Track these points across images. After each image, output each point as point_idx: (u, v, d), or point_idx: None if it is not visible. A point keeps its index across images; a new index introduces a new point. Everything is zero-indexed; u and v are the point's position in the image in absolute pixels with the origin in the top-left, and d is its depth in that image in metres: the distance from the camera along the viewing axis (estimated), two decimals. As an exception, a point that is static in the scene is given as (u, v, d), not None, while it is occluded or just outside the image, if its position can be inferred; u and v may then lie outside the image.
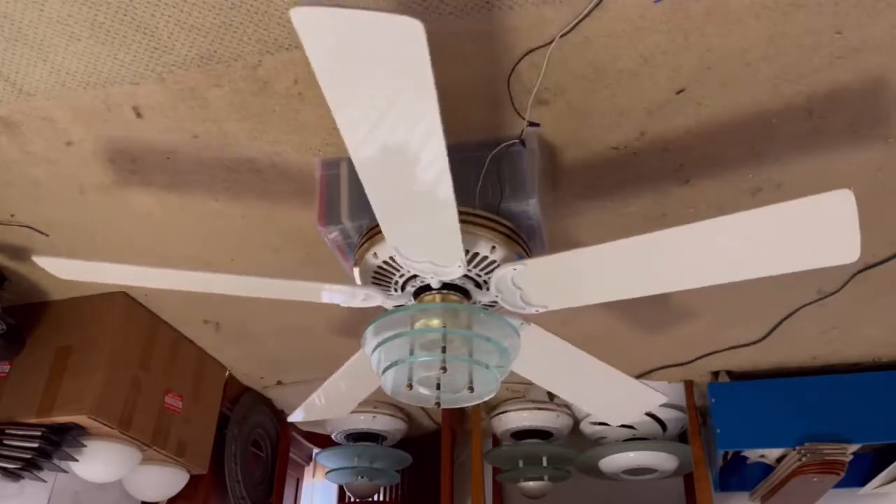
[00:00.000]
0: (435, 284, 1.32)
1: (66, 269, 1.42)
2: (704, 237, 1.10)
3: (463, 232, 1.20)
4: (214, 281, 1.46)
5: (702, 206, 1.71)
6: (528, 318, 1.40)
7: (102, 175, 1.66)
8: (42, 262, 1.36)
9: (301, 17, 0.84)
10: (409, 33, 0.83)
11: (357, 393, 1.85)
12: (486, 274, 1.31)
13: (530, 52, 1.31)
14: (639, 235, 1.12)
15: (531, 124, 1.43)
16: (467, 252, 1.27)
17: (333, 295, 1.39)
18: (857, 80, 1.36)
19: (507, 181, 1.43)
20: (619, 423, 2.29)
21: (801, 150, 1.54)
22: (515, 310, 1.35)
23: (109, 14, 1.26)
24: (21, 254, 1.98)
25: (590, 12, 1.23)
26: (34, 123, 1.52)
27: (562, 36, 1.27)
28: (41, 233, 1.88)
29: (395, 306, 1.40)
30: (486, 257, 1.29)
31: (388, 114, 0.96)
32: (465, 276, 1.31)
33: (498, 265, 1.29)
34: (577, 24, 1.25)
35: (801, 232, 1.06)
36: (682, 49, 1.30)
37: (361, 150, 1.02)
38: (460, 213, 1.23)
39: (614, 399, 1.78)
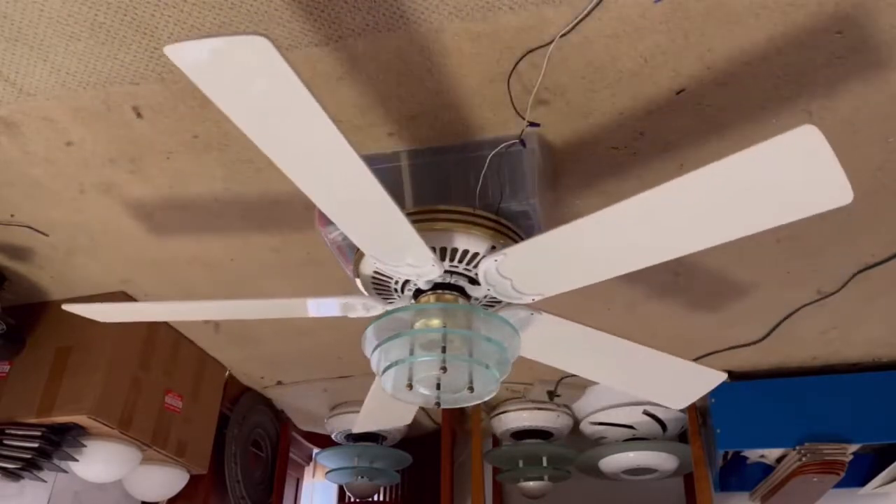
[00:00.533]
0: (423, 286, 1.32)
1: (107, 314, 1.51)
2: (680, 197, 1.03)
3: (436, 230, 1.24)
4: (247, 308, 1.49)
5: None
6: (537, 309, 1.39)
7: (102, 175, 1.66)
8: (77, 308, 1.39)
9: (176, 55, 0.85)
10: (260, 50, 0.83)
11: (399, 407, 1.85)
12: (474, 269, 1.31)
13: (530, 52, 1.31)
14: (612, 205, 1.05)
15: (531, 124, 1.43)
16: (442, 250, 1.28)
17: (321, 308, 1.42)
18: (857, 81, 1.36)
19: (507, 181, 1.43)
20: (680, 407, 2.15)
21: (801, 150, 1.54)
22: (511, 300, 1.33)
23: (109, 14, 1.26)
24: (21, 254, 1.98)
25: (590, 12, 1.23)
26: (34, 123, 1.52)
27: (562, 36, 1.27)
28: (41, 233, 1.88)
29: (382, 293, 1.40)
30: (466, 252, 1.29)
31: (289, 134, 0.96)
32: (456, 273, 1.31)
33: (482, 258, 1.28)
34: (577, 24, 1.25)
35: (779, 177, 0.98)
36: (682, 49, 1.30)
37: (292, 172, 1.03)
38: (431, 211, 1.28)
39: (663, 381, 1.68)
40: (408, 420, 2.05)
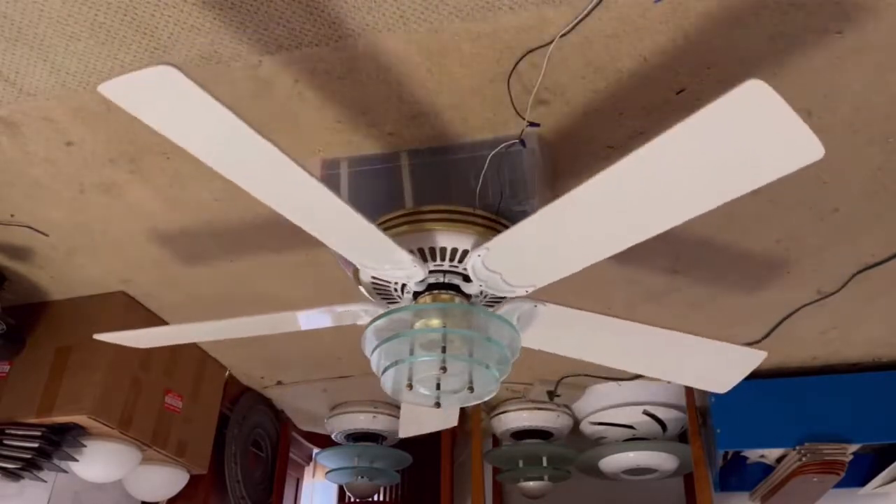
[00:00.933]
0: (415, 287, 1.32)
1: (143, 340, 1.53)
2: (647, 167, 0.99)
3: (419, 231, 1.26)
4: (269, 322, 1.51)
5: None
6: (539, 300, 1.37)
7: (102, 175, 1.66)
8: (114, 337, 1.41)
9: (110, 93, 0.87)
10: (171, 80, 0.85)
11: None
12: (462, 266, 1.31)
13: (530, 52, 1.31)
14: (583, 183, 1.01)
15: (531, 124, 1.43)
16: (430, 249, 1.29)
17: (310, 320, 1.42)
18: (857, 81, 1.37)
19: (507, 181, 1.43)
20: (684, 383, 2.01)
21: (801, 150, 1.54)
22: (505, 294, 1.32)
23: (109, 14, 1.26)
24: (21, 254, 1.98)
25: (590, 12, 1.23)
26: (34, 123, 1.52)
27: (562, 36, 1.27)
28: (41, 233, 1.88)
29: (384, 297, 1.40)
30: (455, 249, 1.29)
31: (236, 157, 0.98)
32: (448, 272, 1.31)
33: (468, 254, 1.28)
34: (577, 24, 1.25)
35: (740, 135, 0.94)
36: (682, 49, 1.30)
37: (257, 191, 1.05)
38: (412, 213, 1.30)
39: (699, 364, 1.58)
40: (453, 422, 2.01)
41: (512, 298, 1.34)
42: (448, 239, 1.29)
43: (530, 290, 1.30)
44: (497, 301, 1.37)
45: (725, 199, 1.00)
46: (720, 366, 1.57)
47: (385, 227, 1.33)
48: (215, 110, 0.91)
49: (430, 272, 1.31)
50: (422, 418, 1.95)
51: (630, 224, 1.10)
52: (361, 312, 1.41)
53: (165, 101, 0.90)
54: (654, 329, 1.43)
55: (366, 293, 1.40)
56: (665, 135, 0.93)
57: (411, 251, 1.27)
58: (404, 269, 1.26)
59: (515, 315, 1.36)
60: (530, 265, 1.25)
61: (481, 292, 1.34)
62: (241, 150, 0.98)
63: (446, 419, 1.99)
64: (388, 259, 1.24)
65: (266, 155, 0.98)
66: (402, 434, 2.10)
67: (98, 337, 1.56)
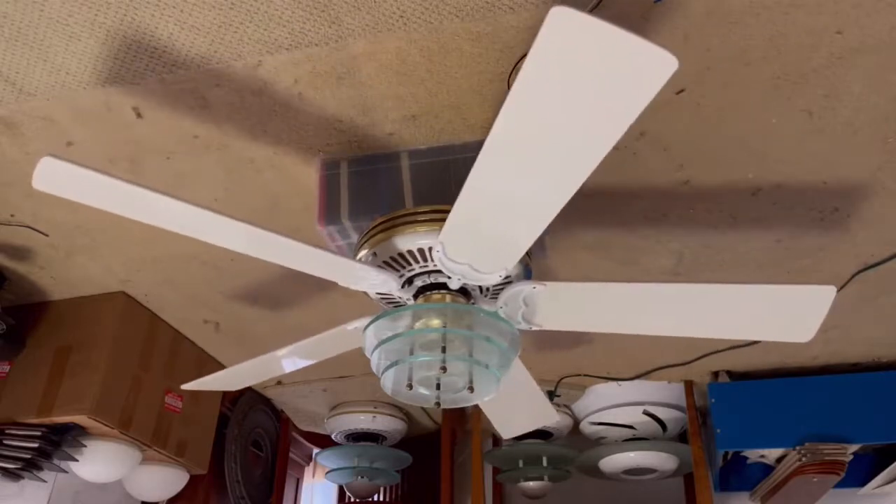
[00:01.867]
0: (454, 286, 1.32)
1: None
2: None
3: (385, 240, 1.29)
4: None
5: (701, 206, 1.71)
6: (539, 283, 1.32)
7: (102, 175, 1.66)
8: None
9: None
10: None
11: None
12: (498, 285, 1.31)
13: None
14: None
15: (531, 124, 1.42)
16: (399, 257, 1.31)
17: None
18: (857, 81, 1.37)
19: (507, 181, 1.43)
20: (759, 338, 1.68)
21: (801, 151, 1.54)
22: (482, 283, 1.31)
23: (109, 14, 1.26)
24: (21, 254, 1.98)
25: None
26: (34, 123, 1.52)
27: (562, 36, 1.27)
28: (41, 233, 1.88)
29: (390, 302, 1.40)
30: (413, 251, 1.30)
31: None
32: (432, 271, 1.32)
33: (511, 280, 1.30)
34: (577, 24, 1.25)
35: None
36: (682, 49, 1.30)
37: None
38: (374, 227, 1.34)
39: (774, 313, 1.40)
40: (554, 417, 1.92)
41: (511, 285, 1.32)
42: (409, 241, 1.29)
43: (503, 273, 1.26)
44: (498, 291, 1.36)
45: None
46: (793, 311, 1.40)
47: (367, 239, 1.35)
48: (120, 189, 1.02)
49: (415, 275, 1.32)
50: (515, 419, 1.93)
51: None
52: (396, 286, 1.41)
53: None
54: (693, 286, 1.29)
55: (379, 304, 1.43)
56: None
57: (385, 261, 1.31)
58: (484, 274, 1.26)
59: (520, 299, 1.33)
60: (489, 247, 1.21)
61: (462, 286, 1.33)
62: (178, 220, 1.11)
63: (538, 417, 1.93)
64: (361, 277, 1.29)
65: (202, 218, 1.10)
66: (506, 436, 2.07)
67: (185, 387, 1.68)
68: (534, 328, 1.38)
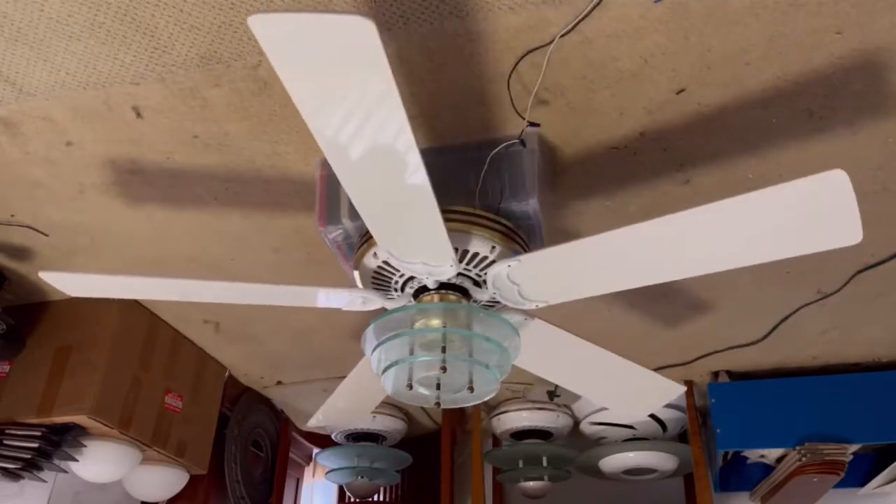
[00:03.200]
0: (431, 285, 1.32)
1: (72, 285, 1.49)
2: (701, 224, 1.09)
3: (453, 231, 1.23)
4: (213, 289, 1.45)
5: (702, 206, 1.71)
6: (531, 314, 1.39)
7: (102, 175, 1.66)
8: (48, 276, 1.41)
9: (259, 25, 0.84)
10: (362, 33, 0.83)
11: (365, 403, 1.86)
12: (483, 272, 1.31)
13: (530, 52, 1.31)
14: (633, 224, 1.09)
15: (531, 124, 1.43)
16: (458, 251, 1.28)
17: (331, 299, 1.40)
18: (856, 81, 1.37)
19: (507, 181, 1.43)
20: (636, 419, 2.21)
21: (801, 151, 1.54)
22: (515, 306, 1.34)
23: (109, 14, 1.26)
24: (21, 254, 1.98)
25: (590, 12, 1.23)
26: (34, 123, 1.52)
27: (562, 36, 1.27)
28: (41, 233, 1.88)
29: (384, 294, 1.40)
30: (478, 254, 1.29)
31: (357, 117, 0.97)
32: (463, 274, 1.31)
33: (493, 262, 1.28)
34: (577, 24, 1.25)
35: (798, 214, 1.03)
36: (682, 49, 1.30)
37: (337, 155, 1.03)
38: (450, 211, 1.27)
39: (629, 392, 1.74)
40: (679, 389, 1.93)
41: (507, 308, 1.35)
42: (479, 244, 1.29)
43: (540, 305, 1.33)
44: (490, 306, 1.38)
45: (753, 263, 1.10)
46: (641, 393, 1.72)
47: (365, 241, 1.33)
48: (383, 77, 0.91)
49: (410, 278, 1.32)
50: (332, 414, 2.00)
51: (665, 266, 1.19)
52: (370, 299, 1.39)
53: (332, 54, 0.88)
54: (602, 352, 1.53)
55: (358, 281, 1.39)
56: (736, 199, 1.04)
57: (458, 249, 1.27)
58: (436, 266, 1.25)
59: (504, 278, 1.32)
60: (553, 284, 1.28)
61: (491, 299, 1.34)
62: (373, 119, 0.99)
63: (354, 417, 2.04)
64: (430, 253, 1.23)
65: (397, 132, 1.00)
66: (311, 424, 2.12)
67: (44, 275, 1.43)
68: (539, 304, 1.34)
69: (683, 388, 1.66)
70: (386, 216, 1.17)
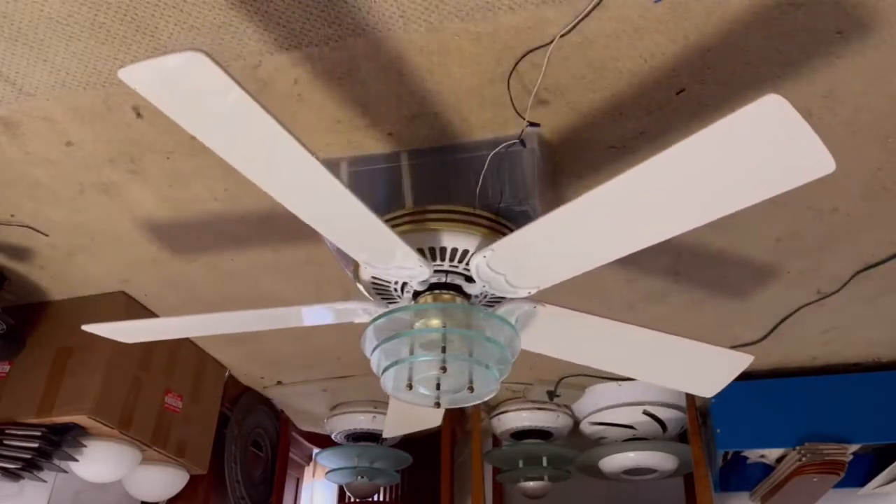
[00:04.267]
0: (417, 287, 1.32)
1: (141, 333, 1.59)
2: (658, 176, 1.01)
3: (424, 231, 1.26)
4: (254, 319, 1.51)
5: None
6: (539, 302, 1.37)
7: (102, 175, 1.66)
8: (99, 328, 1.49)
9: (130, 78, 0.86)
10: (199, 66, 0.84)
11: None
12: (466, 266, 1.31)
13: (530, 52, 1.31)
14: (592, 190, 1.03)
15: (531, 124, 1.43)
16: (431, 250, 1.29)
17: (324, 315, 1.42)
18: (856, 81, 1.36)
19: (507, 181, 1.43)
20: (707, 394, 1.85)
21: (801, 150, 1.54)
22: (508, 294, 1.33)
23: (109, 14, 1.26)
24: (21, 254, 1.98)
25: (590, 12, 1.23)
26: (34, 123, 1.52)
27: (562, 36, 1.27)
28: (41, 233, 1.88)
29: (384, 298, 1.40)
30: (456, 250, 1.29)
31: (246, 145, 0.98)
32: (451, 272, 1.31)
33: (472, 255, 1.28)
34: (577, 24, 1.25)
35: (752, 150, 0.96)
36: (682, 49, 1.30)
37: (270, 188, 1.05)
38: (417, 212, 1.30)
39: (691, 369, 1.61)
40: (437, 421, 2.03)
41: (511, 299, 1.34)
42: (452, 239, 1.29)
43: (533, 291, 1.30)
44: (496, 301, 1.37)
45: (733, 210, 1.03)
46: (708, 369, 1.58)
47: (438, 218, 1.33)
48: (245, 104, 0.90)
49: (434, 272, 1.31)
50: (408, 418, 1.96)
51: (638, 230, 1.12)
52: (360, 311, 1.40)
53: (191, 90, 0.89)
54: (647, 331, 1.44)
55: (364, 292, 1.40)
56: (679, 145, 0.96)
57: (421, 250, 1.28)
58: (409, 269, 1.26)
59: (514, 316, 1.36)
60: (535, 267, 1.25)
61: (483, 293, 1.34)
62: (263, 146, 0.98)
63: (430, 418, 2.00)
64: (393, 257, 1.24)
65: (290, 152, 0.97)
66: (387, 434, 2.12)
67: (88, 328, 1.52)
68: (531, 291, 1.32)
69: (751, 358, 1.51)
70: (340, 233, 1.20)
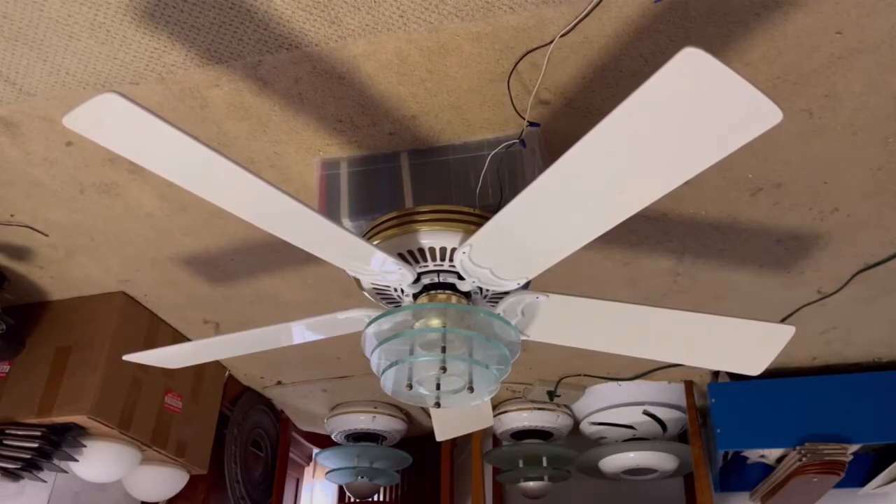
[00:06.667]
0: (407, 289, 1.32)
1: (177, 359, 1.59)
2: (606, 147, 0.99)
3: (404, 234, 1.28)
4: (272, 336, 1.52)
5: (701, 206, 1.71)
6: (542, 293, 1.34)
7: (102, 175, 1.66)
8: (146, 357, 1.53)
9: (73, 125, 0.95)
10: (115, 105, 0.93)
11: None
12: (450, 264, 1.30)
13: (530, 52, 1.31)
14: (547, 169, 1.01)
15: (531, 124, 1.43)
16: (415, 251, 1.30)
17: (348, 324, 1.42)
18: (857, 81, 1.37)
19: (507, 181, 1.43)
20: (755, 371, 1.66)
21: (801, 150, 1.54)
22: (498, 287, 1.31)
23: (109, 14, 1.26)
24: (21, 254, 1.98)
25: (590, 12, 1.23)
26: (34, 123, 1.52)
27: (562, 36, 1.27)
28: (41, 233, 1.88)
29: (389, 302, 1.40)
30: (434, 249, 1.29)
31: (193, 173, 1.02)
32: (441, 271, 1.31)
33: (453, 252, 1.28)
34: (577, 23, 1.25)
35: (690, 106, 0.92)
36: (681, 49, 1.30)
37: (241, 212, 1.08)
38: (397, 216, 1.32)
39: (733, 346, 1.51)
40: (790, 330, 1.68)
41: (514, 292, 1.33)
42: (432, 238, 1.29)
43: (522, 281, 1.29)
44: (499, 297, 1.37)
45: (692, 173, 0.98)
46: (750, 345, 1.45)
47: (376, 232, 1.33)
48: (166, 133, 0.96)
49: (424, 273, 1.31)
50: (455, 421, 1.94)
51: (604, 205, 1.07)
52: (364, 318, 1.40)
53: (120, 128, 0.97)
54: (672, 312, 1.34)
55: (370, 298, 1.41)
56: (613, 113, 0.93)
57: (400, 254, 1.28)
58: (393, 273, 1.27)
59: (519, 308, 1.34)
60: (516, 257, 1.23)
61: (479, 289, 1.33)
62: (202, 168, 1.03)
63: (480, 419, 1.96)
64: (371, 264, 1.25)
65: (228, 171, 1.01)
66: (440, 437, 2.05)
67: (127, 358, 1.59)
68: (519, 282, 1.31)
69: (793, 329, 1.40)
70: (315, 246, 1.21)
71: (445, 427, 2.01)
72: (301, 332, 1.52)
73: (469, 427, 2.08)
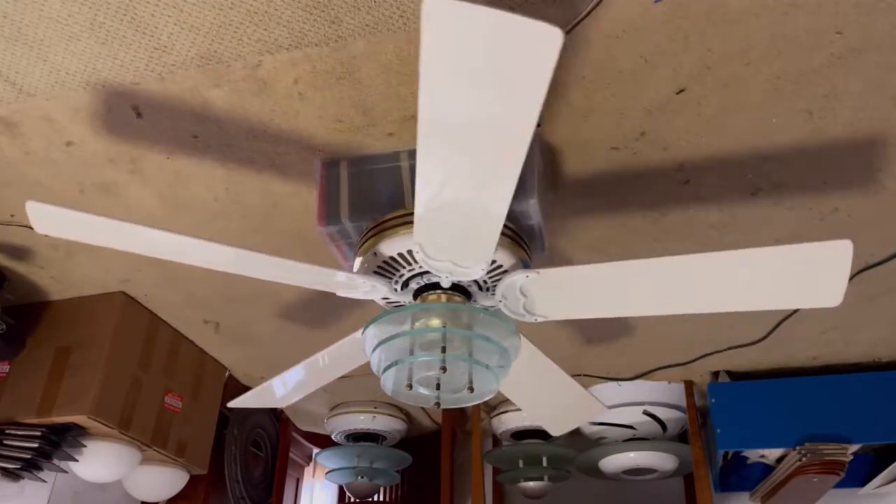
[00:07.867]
0: (445, 284, 1.32)
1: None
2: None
3: (371, 248, 1.30)
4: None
5: (701, 206, 1.71)
6: (533, 271, 1.30)
7: (102, 175, 1.66)
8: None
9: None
10: (35, 213, 1.08)
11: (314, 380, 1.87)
12: (494, 278, 1.31)
13: (530, 52, 1.31)
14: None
15: (531, 124, 1.43)
16: (392, 260, 1.31)
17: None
18: (857, 81, 1.36)
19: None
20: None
21: (801, 150, 1.54)
22: (515, 317, 1.35)
23: (109, 14, 1.26)
24: (21, 254, 1.98)
25: (590, 12, 1.23)
26: (34, 123, 1.52)
27: (562, 36, 1.27)
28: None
29: (395, 305, 1.40)
30: (495, 262, 1.29)
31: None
32: (423, 272, 1.31)
33: (506, 271, 1.30)
34: (577, 23, 1.25)
35: (798, 273, 1.13)
36: (682, 49, 1.30)
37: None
38: (371, 229, 1.35)
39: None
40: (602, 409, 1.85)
41: (506, 276, 1.31)
42: (393, 246, 1.32)
43: (539, 319, 1.34)
44: (494, 285, 1.35)
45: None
46: (816, 272, 1.17)
47: (387, 227, 1.33)
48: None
49: (412, 276, 1.33)
50: (566, 414, 1.92)
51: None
52: (367, 285, 1.38)
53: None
54: (714, 254, 1.17)
55: (357, 265, 1.42)
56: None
57: (379, 266, 1.33)
58: (465, 268, 1.26)
59: (517, 290, 1.31)
60: (561, 301, 1.30)
61: (474, 282, 1.34)
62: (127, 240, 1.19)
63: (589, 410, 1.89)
64: (466, 252, 1.23)
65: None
66: (554, 433, 1.99)
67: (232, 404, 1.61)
68: (538, 319, 1.35)
69: (849, 243, 1.10)
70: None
71: (556, 421, 1.95)
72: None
73: (580, 419, 2.05)
